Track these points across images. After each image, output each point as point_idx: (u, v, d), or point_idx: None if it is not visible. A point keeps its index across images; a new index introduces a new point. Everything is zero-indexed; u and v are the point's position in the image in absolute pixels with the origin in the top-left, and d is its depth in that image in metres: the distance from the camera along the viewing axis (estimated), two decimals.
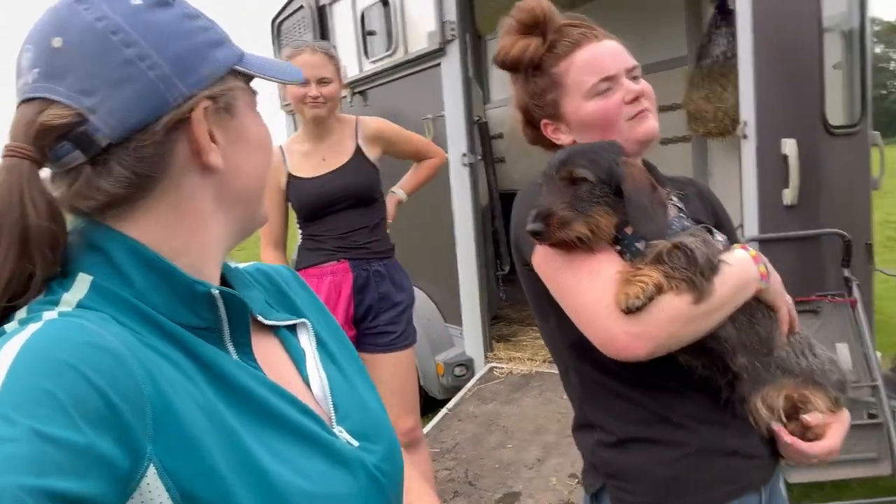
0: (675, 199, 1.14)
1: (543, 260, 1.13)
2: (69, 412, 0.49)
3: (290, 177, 2.54)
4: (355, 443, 0.73)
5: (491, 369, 3.74)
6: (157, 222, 0.66)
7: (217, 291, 0.67)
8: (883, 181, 3.44)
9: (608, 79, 1.19)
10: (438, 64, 3.84)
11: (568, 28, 1.24)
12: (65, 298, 0.61)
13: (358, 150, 2.57)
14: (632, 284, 1.00)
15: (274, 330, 0.79)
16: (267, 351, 0.75)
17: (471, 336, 3.90)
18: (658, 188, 1.09)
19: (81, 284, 0.62)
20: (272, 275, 0.86)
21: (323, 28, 4.86)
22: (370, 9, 4.32)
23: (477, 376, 3.72)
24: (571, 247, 1.07)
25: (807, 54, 2.95)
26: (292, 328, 0.80)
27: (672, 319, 1.00)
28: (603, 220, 1.06)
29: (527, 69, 1.25)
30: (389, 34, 4.22)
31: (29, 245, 0.60)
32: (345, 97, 4.72)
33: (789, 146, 2.90)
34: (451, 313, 4.03)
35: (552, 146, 1.29)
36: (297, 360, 0.77)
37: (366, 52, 4.48)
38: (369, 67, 4.48)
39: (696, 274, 1.01)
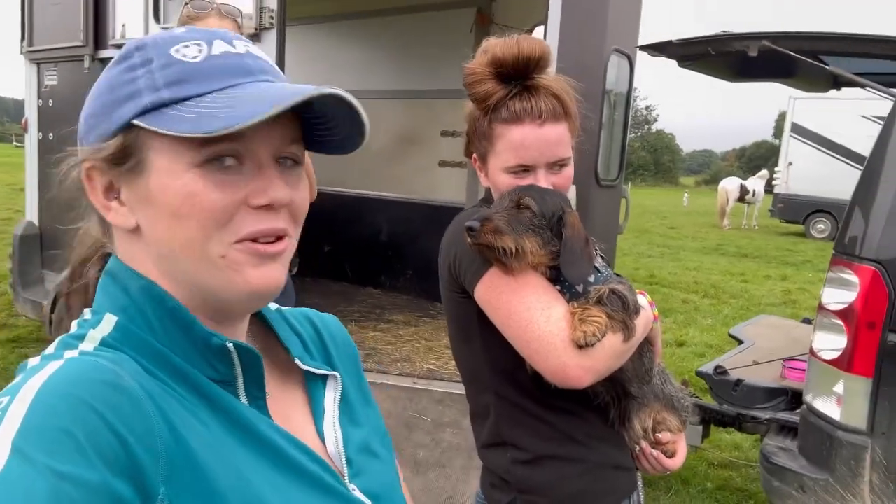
0: (598, 250, 1.31)
1: (492, 289, 1.22)
2: (85, 450, 0.50)
3: None
4: (368, 502, 0.74)
5: None
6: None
7: (232, 345, 0.66)
8: (626, 227, 4.15)
9: (526, 167, 1.28)
10: None
11: (529, 90, 1.27)
12: (90, 335, 0.63)
13: None
14: (587, 323, 1.14)
15: (305, 379, 0.79)
16: (287, 401, 0.76)
17: None
18: (589, 242, 1.26)
19: (107, 324, 0.64)
20: (317, 323, 0.87)
21: None
22: None
23: None
24: (494, 255, 1.18)
25: (591, 114, 3.47)
26: (323, 379, 0.80)
27: (611, 355, 1.17)
28: (529, 246, 1.19)
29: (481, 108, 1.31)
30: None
31: None
32: None
33: (572, 191, 3.37)
34: None
35: None
36: (317, 415, 0.78)
37: (156, 16, 4.04)
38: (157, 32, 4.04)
39: (628, 316, 1.20)
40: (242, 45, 0.67)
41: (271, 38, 3.59)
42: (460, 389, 3.45)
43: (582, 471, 1.30)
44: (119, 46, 4.21)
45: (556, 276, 1.24)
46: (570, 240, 1.22)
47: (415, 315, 5.34)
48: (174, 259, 0.64)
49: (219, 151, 0.62)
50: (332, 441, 0.76)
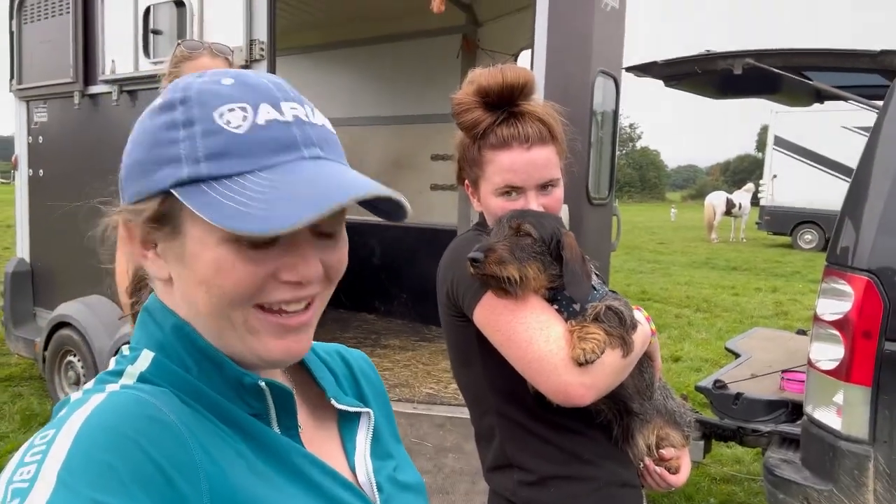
0: (593, 267, 1.33)
1: (491, 311, 1.23)
2: (128, 484, 0.51)
3: None
4: None
5: None
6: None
7: (264, 383, 0.68)
8: (618, 244, 4.18)
9: (515, 188, 1.31)
10: None
11: (515, 116, 1.29)
12: (128, 371, 0.65)
13: None
14: (586, 341, 1.15)
15: (338, 416, 0.80)
16: (321, 436, 0.77)
17: None
18: (586, 260, 1.28)
19: (144, 360, 0.66)
20: (349, 359, 0.89)
21: (86, 6, 4.32)
22: (159, 6, 3.96)
23: None
24: (499, 284, 1.19)
25: (579, 136, 3.51)
26: (356, 416, 0.81)
27: (611, 372, 1.18)
28: (532, 273, 1.21)
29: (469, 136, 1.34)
30: (181, 38, 3.91)
31: None
32: (110, 94, 4.24)
33: (564, 211, 3.40)
34: None
35: None
36: (349, 451, 0.79)
37: (146, 51, 4.08)
38: (147, 67, 4.08)
39: (626, 332, 1.21)
40: (290, 111, 0.63)
41: (262, 69, 3.62)
42: (461, 413, 3.44)
43: (590, 490, 1.30)
44: (109, 82, 4.24)
45: (553, 296, 1.25)
46: (571, 261, 1.23)
47: (411, 339, 5.33)
48: (200, 317, 0.66)
49: None
50: (363, 471, 0.77)
